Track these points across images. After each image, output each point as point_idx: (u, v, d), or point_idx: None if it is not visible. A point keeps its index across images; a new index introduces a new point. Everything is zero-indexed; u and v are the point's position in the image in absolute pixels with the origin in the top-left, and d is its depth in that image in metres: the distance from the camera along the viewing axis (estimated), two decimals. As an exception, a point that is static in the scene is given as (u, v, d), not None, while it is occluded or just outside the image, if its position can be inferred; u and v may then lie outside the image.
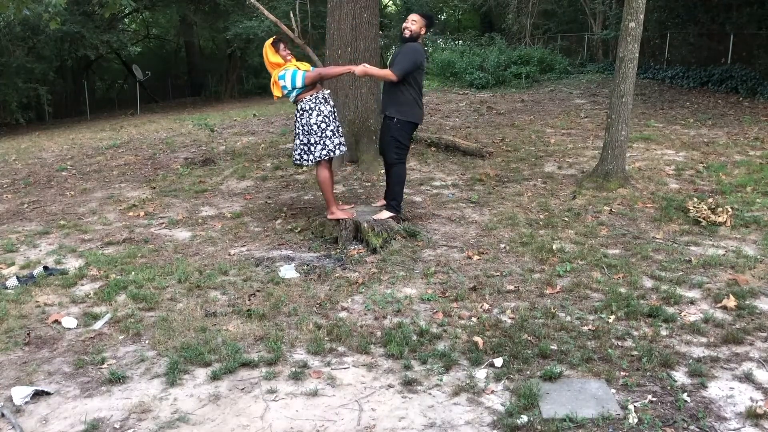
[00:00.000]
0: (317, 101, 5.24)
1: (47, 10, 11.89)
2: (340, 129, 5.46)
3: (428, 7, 29.61)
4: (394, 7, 33.28)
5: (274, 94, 5.32)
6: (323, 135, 5.25)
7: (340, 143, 5.38)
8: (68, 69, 26.07)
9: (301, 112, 5.27)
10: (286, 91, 5.21)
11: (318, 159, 5.29)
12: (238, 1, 21.81)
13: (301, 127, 5.30)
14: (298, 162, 5.42)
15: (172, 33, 31.45)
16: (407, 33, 5.19)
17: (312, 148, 5.27)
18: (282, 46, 5.25)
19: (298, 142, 5.36)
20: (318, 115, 5.23)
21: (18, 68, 19.38)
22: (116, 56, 28.03)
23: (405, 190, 6.40)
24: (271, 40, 5.28)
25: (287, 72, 5.17)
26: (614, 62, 7.30)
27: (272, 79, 5.27)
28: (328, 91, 5.43)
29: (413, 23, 5.20)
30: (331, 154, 5.30)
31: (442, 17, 35.88)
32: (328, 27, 7.86)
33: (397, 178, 5.42)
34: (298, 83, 5.15)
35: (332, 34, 7.74)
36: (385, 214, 5.38)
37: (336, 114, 5.42)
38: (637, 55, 6.48)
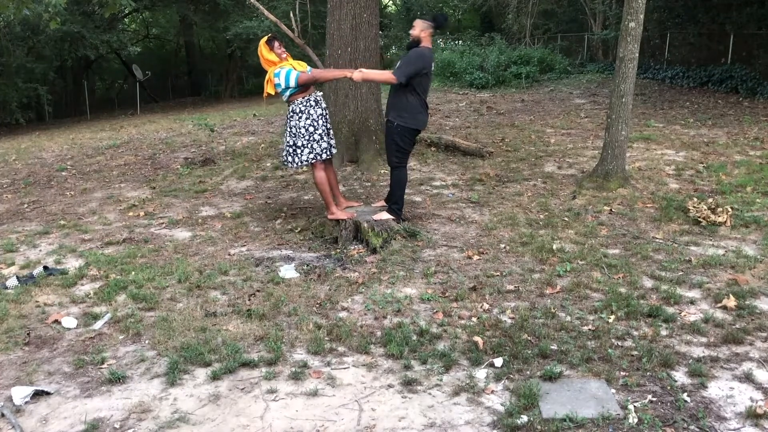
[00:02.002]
0: (308, 104, 5.24)
1: (47, 10, 11.90)
2: (332, 132, 5.46)
3: (428, 7, 29.58)
4: (394, 7, 33.31)
5: (265, 91, 5.30)
6: (311, 138, 5.25)
7: (329, 146, 5.37)
8: (68, 69, 26.06)
9: (291, 113, 5.28)
10: (279, 89, 5.21)
11: (305, 162, 5.29)
12: (238, 1, 21.81)
13: (289, 129, 5.30)
14: (285, 164, 5.43)
15: (172, 33, 31.47)
16: (411, 38, 5.24)
17: (299, 151, 5.27)
18: (277, 44, 5.23)
19: (285, 143, 5.38)
20: (307, 119, 5.23)
21: (18, 68, 19.39)
22: (116, 56, 28.04)
23: (405, 190, 6.40)
24: (265, 38, 5.28)
25: (282, 71, 5.16)
26: (614, 62, 7.30)
27: (267, 77, 5.26)
28: (321, 93, 5.42)
29: (413, 29, 5.21)
30: (318, 157, 5.29)
31: (442, 17, 35.84)
32: (328, 27, 7.86)
33: (398, 182, 5.42)
34: (292, 83, 5.15)
35: (332, 34, 7.74)
36: (385, 216, 5.38)
37: (327, 116, 5.40)
38: (637, 55, 6.48)
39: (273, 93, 5.27)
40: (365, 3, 7.64)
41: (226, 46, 24.75)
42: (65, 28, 18.80)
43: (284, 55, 5.24)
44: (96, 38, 20.81)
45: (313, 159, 5.28)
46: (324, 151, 5.32)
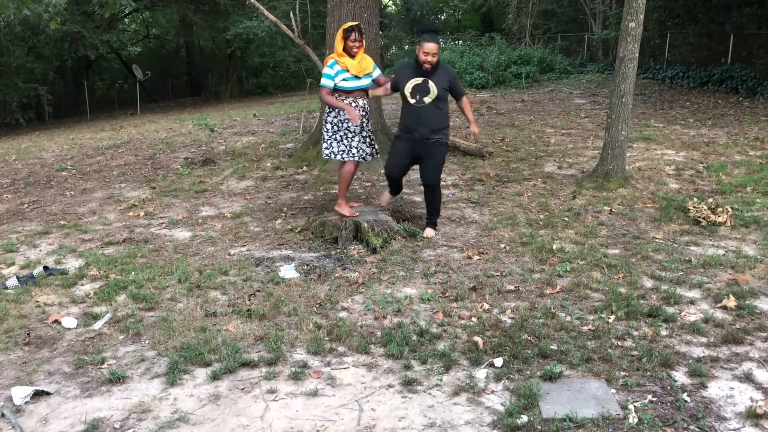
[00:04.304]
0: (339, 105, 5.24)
1: (47, 10, 11.90)
2: (372, 140, 5.41)
3: (428, 7, 29.59)
4: (394, 7, 33.32)
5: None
6: (331, 136, 5.32)
7: (366, 152, 5.35)
8: (68, 69, 26.07)
9: (325, 105, 5.40)
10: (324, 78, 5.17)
11: (325, 155, 5.39)
12: (238, 1, 21.82)
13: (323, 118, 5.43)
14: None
15: (172, 33, 31.46)
16: (432, 63, 5.06)
17: (323, 144, 5.40)
18: (353, 35, 5.07)
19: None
20: (335, 117, 5.28)
21: (18, 68, 19.38)
22: (116, 56, 28.03)
23: (405, 190, 6.44)
24: (347, 25, 5.17)
25: (329, 67, 5.13)
26: (614, 62, 7.30)
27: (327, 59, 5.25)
28: (366, 101, 5.39)
29: (435, 55, 5.03)
30: (332, 155, 5.34)
31: (442, 17, 35.87)
32: (328, 27, 7.87)
33: (440, 197, 5.49)
34: (322, 81, 5.20)
35: (332, 34, 7.73)
36: (431, 233, 5.41)
37: (365, 125, 5.33)
38: (637, 55, 6.48)
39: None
40: (365, 3, 7.64)
41: (226, 46, 24.74)
42: (65, 28, 18.81)
43: (354, 50, 5.12)
44: (96, 38, 20.81)
45: (327, 155, 5.37)
46: (360, 155, 5.34)
